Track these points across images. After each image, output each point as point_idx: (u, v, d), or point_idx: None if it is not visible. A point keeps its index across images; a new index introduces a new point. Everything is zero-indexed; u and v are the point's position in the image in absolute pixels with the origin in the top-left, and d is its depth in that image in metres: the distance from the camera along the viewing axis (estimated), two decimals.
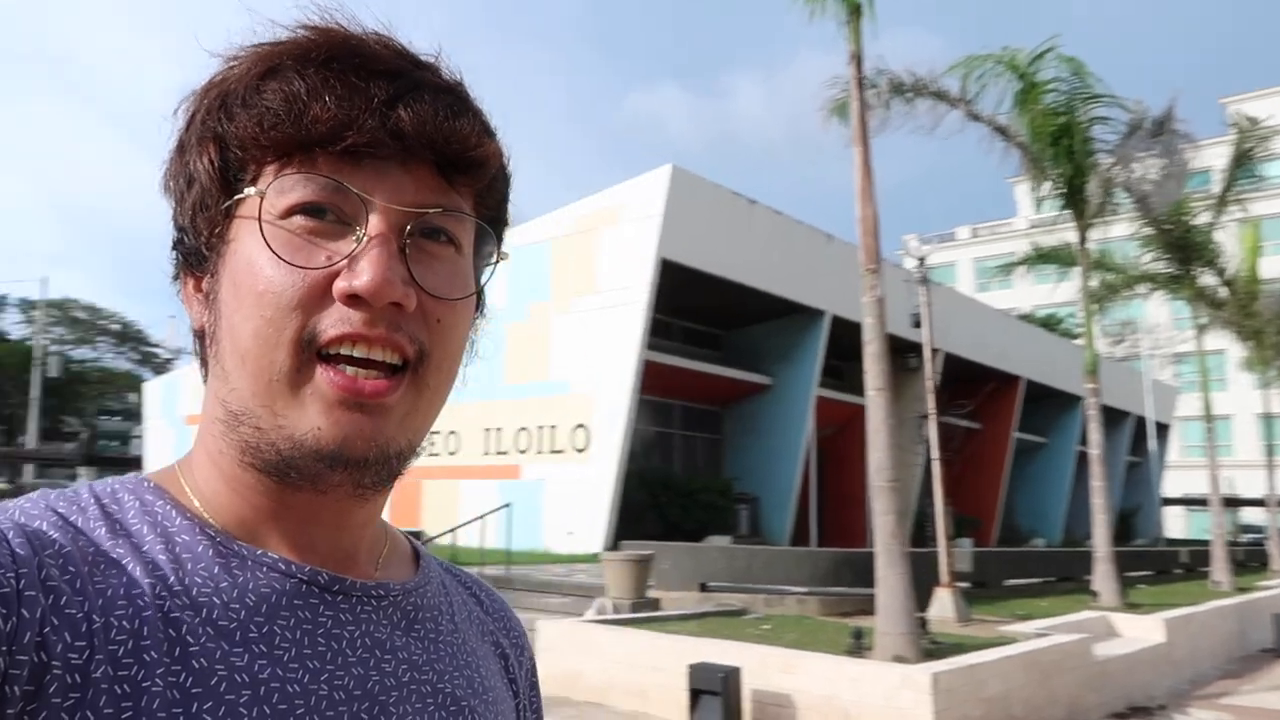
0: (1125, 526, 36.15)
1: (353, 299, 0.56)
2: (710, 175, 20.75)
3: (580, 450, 19.17)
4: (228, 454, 0.59)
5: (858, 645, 7.87)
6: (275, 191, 0.57)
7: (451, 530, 13.40)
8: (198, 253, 0.61)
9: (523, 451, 20.30)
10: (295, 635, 0.57)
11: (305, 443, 0.56)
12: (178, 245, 0.63)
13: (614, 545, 15.91)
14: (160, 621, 0.52)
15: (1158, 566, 20.50)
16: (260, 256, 0.56)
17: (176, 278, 0.64)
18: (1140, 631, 10.86)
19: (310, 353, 0.56)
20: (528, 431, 20.24)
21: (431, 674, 0.64)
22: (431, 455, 22.29)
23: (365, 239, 0.56)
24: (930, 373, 12.32)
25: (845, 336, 17.95)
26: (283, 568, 0.59)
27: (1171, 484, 44.77)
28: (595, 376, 19.16)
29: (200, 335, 0.63)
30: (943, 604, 10.75)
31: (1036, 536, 32.08)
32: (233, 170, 0.58)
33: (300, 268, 0.56)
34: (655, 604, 10.35)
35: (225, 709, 0.52)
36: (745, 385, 23.36)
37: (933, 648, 8.25)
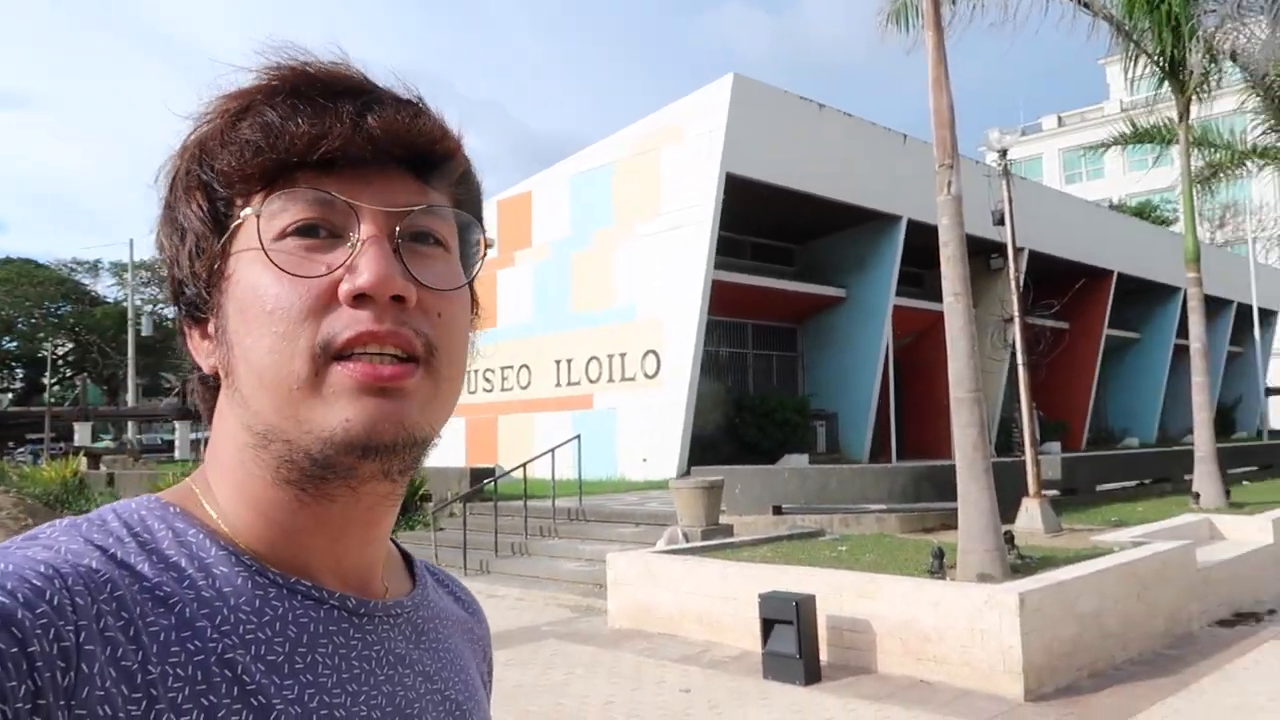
0: (1225, 420, 34.57)
1: (358, 299, 0.58)
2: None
3: (651, 376, 18.96)
4: (259, 476, 0.61)
5: (939, 565, 7.54)
6: (267, 216, 0.59)
7: (523, 465, 13.34)
8: (199, 298, 0.63)
9: (594, 381, 20.19)
10: (334, 661, 0.61)
11: (336, 437, 0.58)
12: (179, 299, 0.64)
13: (689, 470, 15.75)
14: (216, 664, 0.54)
15: (1263, 461, 19.47)
16: (264, 277, 0.59)
17: (180, 332, 0.66)
18: (1246, 533, 10.28)
19: (325, 358, 0.58)
20: (598, 360, 20.09)
21: (440, 682, 0.69)
22: (505, 390, 22.41)
23: (359, 242, 0.59)
24: (1015, 272, 11.61)
25: (924, 241, 17.15)
26: (316, 595, 0.62)
27: (1277, 373, 42.59)
28: (663, 301, 18.80)
29: (205, 380, 0.66)
30: (1030, 515, 10.30)
31: (1129, 437, 30.95)
32: (222, 211, 0.61)
33: (304, 278, 0.58)
34: (728, 530, 10.14)
35: None
36: (819, 299, 22.73)
37: (1020, 563, 7.88)
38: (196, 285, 0.63)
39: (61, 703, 0.48)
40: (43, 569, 0.51)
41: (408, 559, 0.77)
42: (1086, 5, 10.51)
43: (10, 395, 49.76)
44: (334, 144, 0.59)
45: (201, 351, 0.65)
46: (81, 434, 33.49)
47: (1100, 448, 27.27)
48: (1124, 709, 5.96)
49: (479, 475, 14.62)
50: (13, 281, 43.93)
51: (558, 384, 21.04)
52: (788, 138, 19.06)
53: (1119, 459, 15.90)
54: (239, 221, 0.60)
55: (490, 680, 0.83)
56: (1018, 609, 6.19)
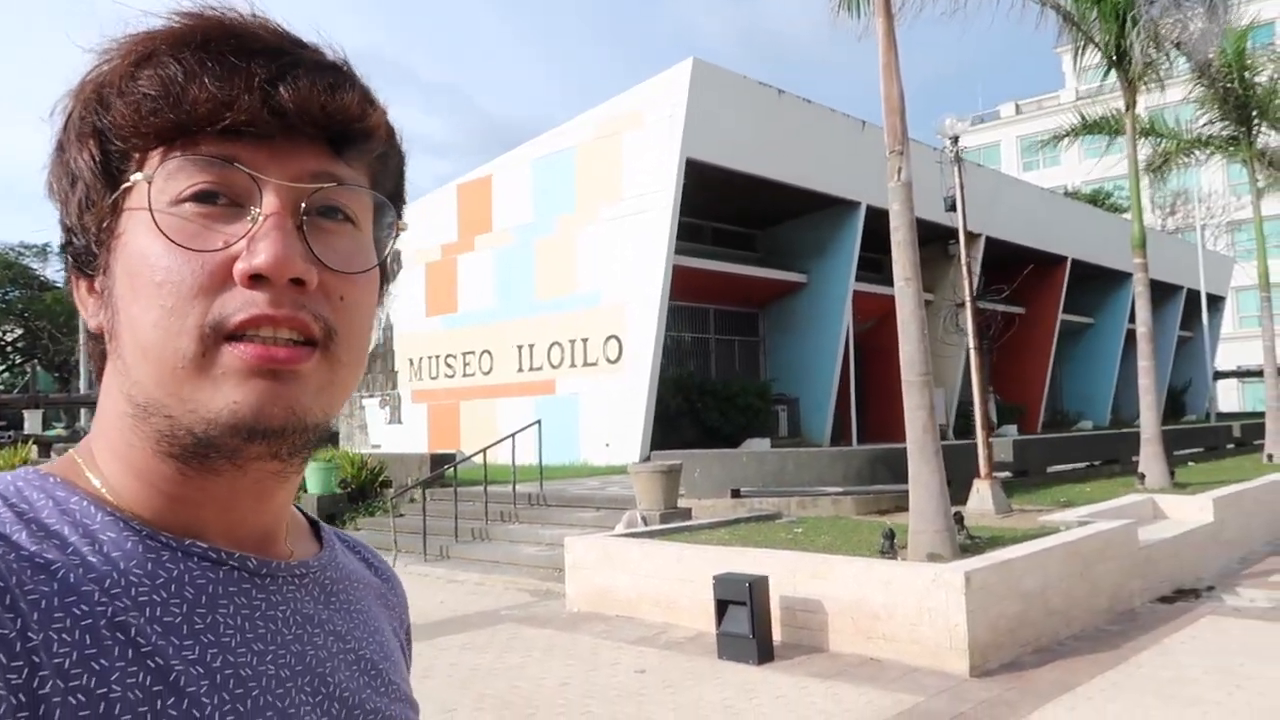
0: (1175, 403, 35.43)
1: (254, 279, 0.55)
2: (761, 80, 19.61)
3: (613, 361, 19.01)
4: (139, 447, 0.59)
5: (890, 546, 7.70)
6: (163, 178, 0.56)
7: (482, 450, 13.35)
8: (88, 252, 0.60)
9: (556, 366, 20.20)
10: (237, 621, 0.59)
11: (222, 419, 0.56)
12: (66, 247, 0.62)
13: (650, 456, 15.85)
14: (107, 628, 0.52)
15: (1209, 443, 20.01)
16: (154, 246, 0.56)
17: (69, 281, 0.64)
18: (1188, 512, 10.57)
19: (216, 338, 0.55)
20: (560, 346, 20.10)
21: (352, 641, 0.68)
22: (467, 376, 22.35)
23: (261, 218, 0.56)
24: (965, 258, 11.82)
25: (883, 227, 17.34)
26: (214, 556, 0.60)
27: (1227, 356, 43.66)
28: (625, 286, 18.84)
29: (97, 336, 0.62)
30: (981, 497, 10.52)
31: (1084, 420, 31.59)
32: (115, 164, 0.58)
33: (198, 252, 0.55)
34: (686, 514, 10.25)
35: (188, 701, 0.53)
36: (780, 284, 22.89)
37: (969, 543, 8.06)
38: (85, 238, 0.60)
39: None
40: None
41: (315, 525, 0.75)
42: None
43: None
44: (239, 116, 0.55)
45: (88, 307, 0.62)
46: (32, 422, 32.66)
47: (1056, 430, 27.80)
48: (1064, 682, 6.15)
49: (439, 461, 14.62)
50: None
51: (520, 369, 21.02)
52: (747, 123, 19.13)
53: (1069, 441, 16.26)
54: (129, 185, 0.57)
55: (410, 647, 0.82)
56: (963, 587, 6.35)
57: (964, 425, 24.98)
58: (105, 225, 0.59)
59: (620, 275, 18.93)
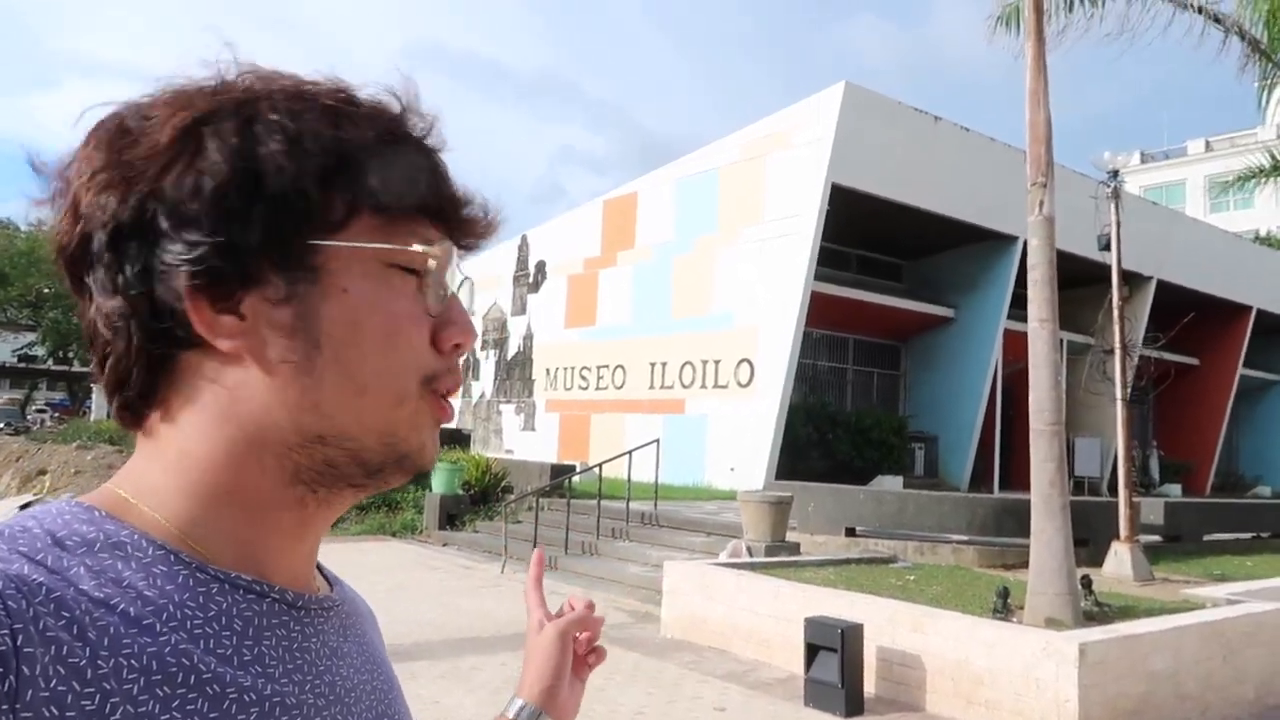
0: None
1: (455, 348, 0.65)
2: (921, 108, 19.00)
3: (744, 385, 18.73)
4: (274, 469, 0.62)
5: (1004, 605, 7.17)
6: (439, 252, 0.64)
7: (599, 465, 13.35)
8: (241, 275, 0.60)
9: (687, 386, 20.08)
10: (279, 652, 0.62)
11: (412, 455, 0.64)
12: (200, 262, 0.59)
13: (774, 483, 15.47)
14: (171, 655, 0.55)
15: None
16: (395, 302, 0.62)
17: (186, 295, 0.63)
18: None
19: (423, 388, 0.64)
20: (692, 365, 19.98)
21: (366, 673, 0.72)
22: (599, 389, 22.55)
23: (451, 296, 0.66)
24: (1118, 300, 10.99)
25: None
26: (259, 589, 0.63)
27: None
28: (760, 309, 18.55)
29: (161, 344, 0.62)
30: (1120, 560, 9.69)
31: (1261, 485, 28.86)
32: (329, 214, 0.62)
33: (428, 316, 0.64)
34: (795, 548, 9.89)
35: None
36: (925, 317, 22.01)
37: (1095, 611, 7.43)
38: (252, 262, 0.59)
39: (4, 707, 0.47)
40: None
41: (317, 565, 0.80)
42: (1217, 20, 9.79)
43: None
44: (472, 214, 0.67)
45: (218, 328, 0.60)
46: (101, 399, 28.50)
47: (1226, 494, 25.51)
48: None
49: (559, 471, 14.75)
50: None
51: (651, 386, 21.02)
52: (900, 150, 18.52)
53: (1233, 507, 14.81)
54: (392, 249, 0.62)
55: None
56: (1077, 660, 5.81)
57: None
58: (304, 259, 0.61)
59: (756, 298, 18.65)
